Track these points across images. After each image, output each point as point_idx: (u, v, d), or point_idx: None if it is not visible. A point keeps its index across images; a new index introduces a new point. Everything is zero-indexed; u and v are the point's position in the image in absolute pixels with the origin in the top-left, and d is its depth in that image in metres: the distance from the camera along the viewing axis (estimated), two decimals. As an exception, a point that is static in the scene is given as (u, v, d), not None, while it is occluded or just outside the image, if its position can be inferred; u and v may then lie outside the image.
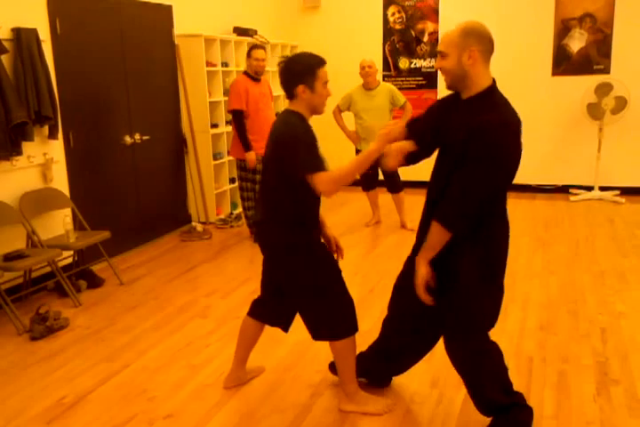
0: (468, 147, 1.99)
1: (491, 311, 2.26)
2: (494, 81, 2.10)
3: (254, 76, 5.02)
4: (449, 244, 2.12)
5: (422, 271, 2.16)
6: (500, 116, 2.00)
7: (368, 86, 5.30)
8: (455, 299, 2.18)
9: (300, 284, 2.42)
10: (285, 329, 2.70)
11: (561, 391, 2.68)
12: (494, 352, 2.31)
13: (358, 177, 4.30)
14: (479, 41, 2.02)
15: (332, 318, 2.43)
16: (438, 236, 2.10)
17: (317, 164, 2.23)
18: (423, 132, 2.29)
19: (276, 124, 2.37)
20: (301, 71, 2.28)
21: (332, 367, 2.77)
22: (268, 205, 2.41)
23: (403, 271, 2.46)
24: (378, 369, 2.68)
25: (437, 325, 2.35)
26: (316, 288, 2.40)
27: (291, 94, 2.34)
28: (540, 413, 2.51)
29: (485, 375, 2.29)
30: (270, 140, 2.36)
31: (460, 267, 2.15)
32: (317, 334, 2.47)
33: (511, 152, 2.02)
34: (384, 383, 2.74)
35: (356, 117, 5.41)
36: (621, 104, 6.26)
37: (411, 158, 2.32)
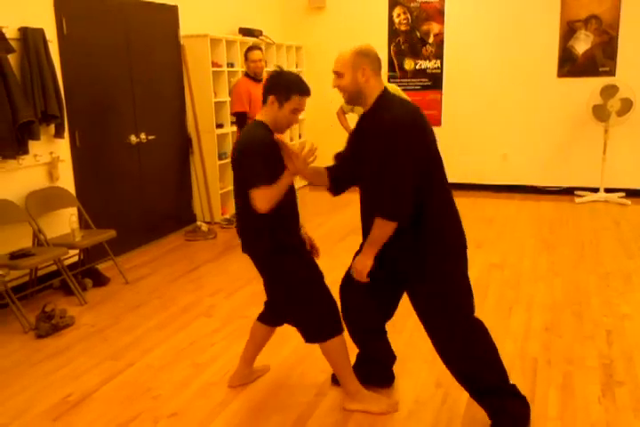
0: (375, 143, 2.19)
1: (467, 296, 2.36)
2: (385, 88, 2.30)
3: (254, 77, 5.03)
4: (396, 238, 2.25)
5: (369, 263, 2.30)
6: (390, 113, 2.18)
7: None
8: (432, 288, 2.30)
9: (282, 287, 2.49)
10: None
11: (566, 393, 2.68)
12: (478, 330, 2.36)
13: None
14: (371, 61, 2.26)
15: (316, 319, 2.47)
16: (381, 229, 2.22)
17: (259, 179, 2.28)
18: (345, 158, 2.47)
19: (242, 133, 2.43)
20: (280, 85, 2.37)
21: (333, 378, 2.79)
22: (241, 213, 2.47)
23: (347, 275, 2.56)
24: (373, 371, 2.72)
25: (390, 305, 2.59)
26: (295, 292, 2.46)
27: (264, 101, 2.43)
28: (544, 414, 2.51)
29: (478, 355, 2.33)
30: (234, 149, 2.42)
31: (425, 264, 2.28)
32: (306, 336, 2.52)
33: (410, 141, 2.15)
34: (384, 382, 2.76)
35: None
36: (627, 106, 6.25)
37: (340, 185, 2.49)
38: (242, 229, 2.49)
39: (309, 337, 2.51)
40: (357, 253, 2.45)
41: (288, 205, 2.45)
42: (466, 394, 2.66)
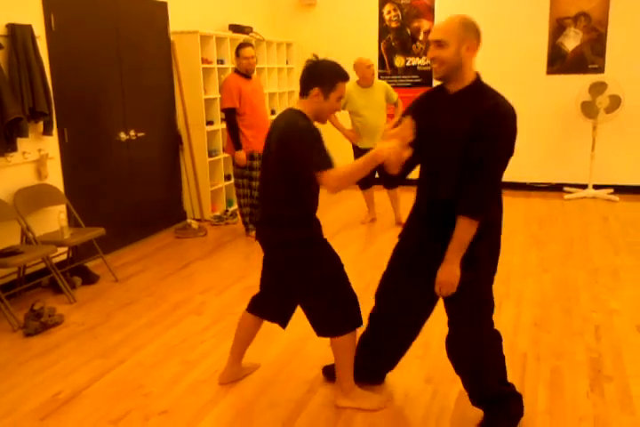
0: (480, 133, 2.03)
1: (492, 296, 2.33)
2: (478, 75, 2.17)
3: (245, 73, 5.02)
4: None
5: (457, 272, 2.15)
6: (504, 103, 2.07)
7: (366, 83, 5.30)
8: (469, 286, 2.19)
9: (306, 280, 2.43)
10: (283, 325, 2.71)
11: (554, 387, 2.70)
12: (498, 339, 2.36)
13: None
14: (476, 35, 2.11)
15: (338, 312, 2.44)
16: (467, 231, 2.10)
17: (328, 161, 2.24)
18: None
19: (279, 123, 2.35)
20: (324, 76, 2.30)
21: (326, 371, 2.79)
22: (270, 205, 2.41)
23: (392, 266, 2.49)
24: (368, 364, 2.70)
25: (423, 317, 2.49)
26: (321, 284, 2.42)
27: (305, 93, 2.35)
28: (533, 408, 2.52)
29: (487, 363, 2.33)
30: (272, 139, 2.35)
31: (476, 253, 2.17)
32: (322, 329, 2.47)
33: (513, 136, 2.09)
34: (376, 380, 2.75)
35: (355, 115, 5.38)
36: (615, 103, 6.29)
37: (407, 167, 2.33)
38: (273, 218, 2.41)
39: (325, 331, 2.45)
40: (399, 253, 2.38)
41: (317, 199, 2.44)
42: (455, 390, 2.67)
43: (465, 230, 2.10)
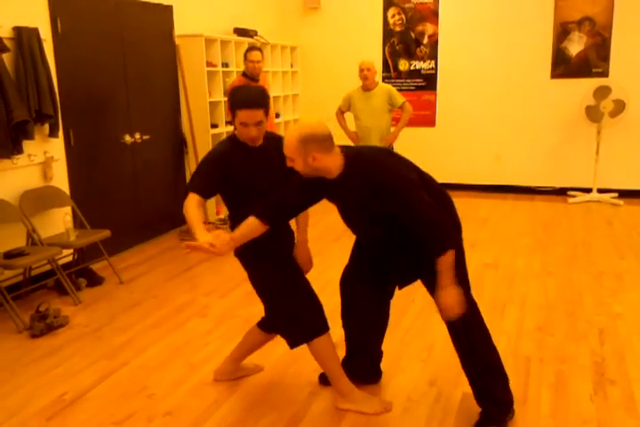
0: (386, 197, 2.14)
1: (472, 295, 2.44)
2: (342, 150, 2.23)
3: (252, 77, 5.04)
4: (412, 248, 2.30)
5: (456, 291, 2.23)
6: (375, 163, 2.19)
7: (367, 87, 5.32)
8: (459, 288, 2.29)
9: (259, 287, 2.53)
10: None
11: (558, 391, 2.69)
12: (489, 336, 2.44)
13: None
14: (317, 144, 2.15)
15: (293, 322, 2.48)
16: (448, 261, 2.18)
17: (191, 184, 2.39)
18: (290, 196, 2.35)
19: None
20: (229, 103, 2.42)
21: (321, 378, 2.81)
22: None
23: (351, 263, 2.61)
24: (359, 365, 2.74)
25: (387, 301, 2.64)
26: (268, 294, 2.51)
27: None
28: (537, 412, 2.52)
29: (486, 360, 2.39)
30: None
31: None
32: (287, 338, 2.54)
33: (402, 172, 2.19)
34: (370, 378, 2.78)
35: (355, 118, 5.43)
36: (620, 107, 6.29)
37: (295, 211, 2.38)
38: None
39: (289, 338, 2.52)
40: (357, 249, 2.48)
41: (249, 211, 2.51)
42: (459, 392, 2.68)
43: (446, 262, 2.18)
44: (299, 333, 2.49)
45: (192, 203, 2.32)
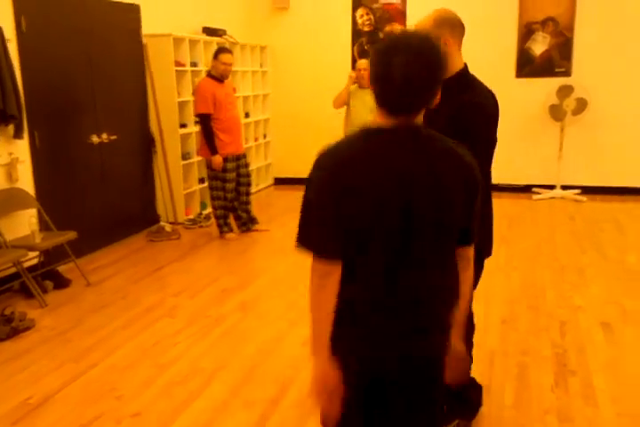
0: (455, 125, 2.02)
1: None
2: (466, 65, 2.20)
3: (220, 78, 5.03)
4: None
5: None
6: (473, 98, 2.10)
7: (362, 86, 5.48)
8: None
9: None
10: None
11: (521, 382, 2.77)
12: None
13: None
14: (451, 29, 2.13)
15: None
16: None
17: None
18: None
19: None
20: None
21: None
22: None
23: None
24: None
25: None
26: None
27: None
28: (501, 403, 2.59)
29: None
30: None
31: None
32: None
33: (482, 131, 2.08)
34: None
35: (347, 114, 5.60)
36: (582, 105, 6.45)
37: None
38: None
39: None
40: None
41: None
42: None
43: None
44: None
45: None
